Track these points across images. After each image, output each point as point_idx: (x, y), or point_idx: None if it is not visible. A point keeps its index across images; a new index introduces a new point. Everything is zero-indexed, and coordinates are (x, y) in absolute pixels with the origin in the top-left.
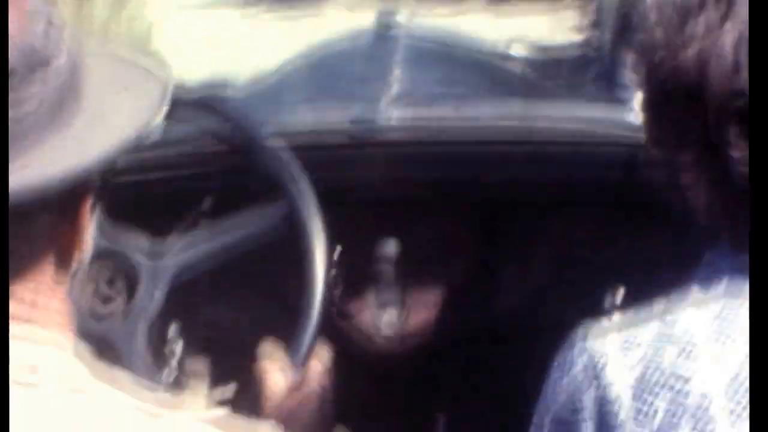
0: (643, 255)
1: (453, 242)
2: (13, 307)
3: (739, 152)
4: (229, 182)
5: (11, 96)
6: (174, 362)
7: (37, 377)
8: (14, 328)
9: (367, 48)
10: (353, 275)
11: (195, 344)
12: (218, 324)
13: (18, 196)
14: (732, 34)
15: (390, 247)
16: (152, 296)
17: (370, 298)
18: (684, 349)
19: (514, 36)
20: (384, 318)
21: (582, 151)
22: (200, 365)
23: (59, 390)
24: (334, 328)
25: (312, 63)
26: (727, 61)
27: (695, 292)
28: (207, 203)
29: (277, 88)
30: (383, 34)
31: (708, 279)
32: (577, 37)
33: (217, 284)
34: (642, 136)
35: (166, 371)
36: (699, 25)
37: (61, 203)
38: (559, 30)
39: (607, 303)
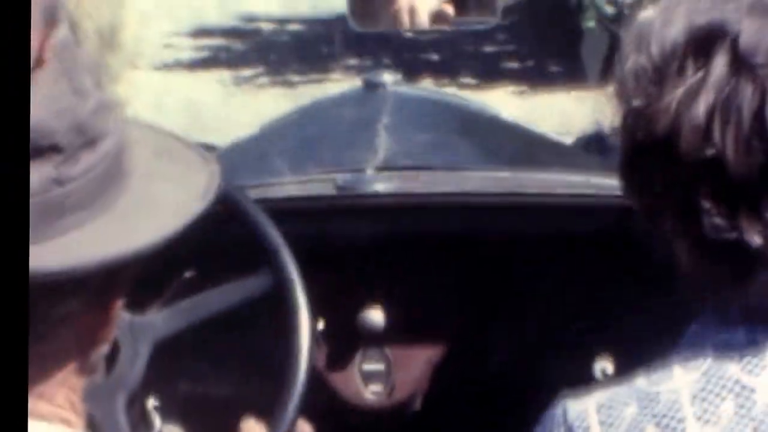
0: (636, 315)
1: (440, 306)
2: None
3: (712, 220)
4: (212, 252)
5: (55, 174)
6: None
7: None
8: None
9: (353, 111)
10: (337, 347)
11: (176, 417)
12: (199, 395)
13: (49, 278)
14: (705, 101)
15: (374, 318)
16: (132, 369)
17: (355, 370)
18: (667, 427)
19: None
20: (369, 390)
21: (573, 209)
22: None
23: None
24: (319, 390)
25: (296, 126)
26: (699, 128)
27: (678, 363)
28: (188, 274)
29: (260, 153)
30: (370, 96)
31: (691, 354)
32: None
33: (199, 355)
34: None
35: None
36: (676, 94)
37: (95, 290)
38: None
39: (594, 369)
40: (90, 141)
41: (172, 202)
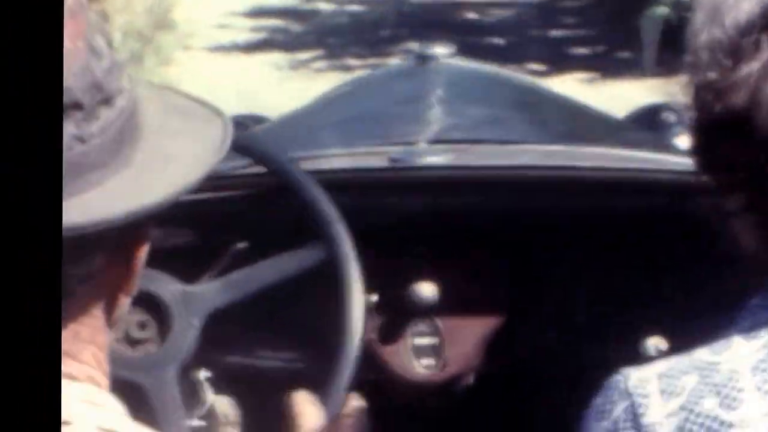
0: (686, 293)
1: (493, 280)
2: None
3: None
4: (264, 223)
5: (76, 132)
6: (205, 407)
7: (70, 417)
8: None
9: (406, 84)
10: (389, 320)
11: (227, 388)
12: (251, 367)
13: (75, 233)
14: None
15: (426, 292)
16: (185, 340)
17: (406, 344)
18: (727, 397)
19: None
20: (420, 364)
21: (625, 184)
22: (231, 409)
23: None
24: (371, 363)
25: (348, 99)
26: None
27: (738, 334)
28: (241, 245)
29: (311, 125)
30: (423, 69)
31: (752, 326)
32: None
33: (251, 327)
34: (686, 175)
35: (196, 415)
36: (753, 67)
37: (118, 244)
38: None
39: (647, 347)
40: (107, 98)
41: (187, 156)
